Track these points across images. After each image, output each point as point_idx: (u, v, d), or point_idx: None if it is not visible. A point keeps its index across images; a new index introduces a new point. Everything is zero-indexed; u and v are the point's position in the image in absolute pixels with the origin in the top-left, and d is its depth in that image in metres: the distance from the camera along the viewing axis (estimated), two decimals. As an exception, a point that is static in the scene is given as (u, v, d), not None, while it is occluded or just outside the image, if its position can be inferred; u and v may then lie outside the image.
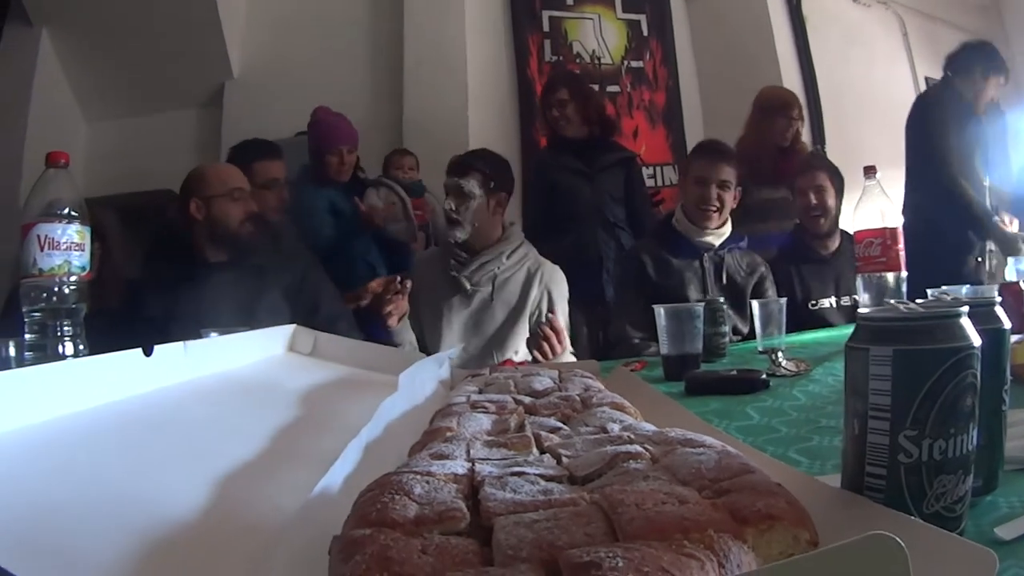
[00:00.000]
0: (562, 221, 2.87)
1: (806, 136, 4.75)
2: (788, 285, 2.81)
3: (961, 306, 0.65)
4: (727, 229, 2.69)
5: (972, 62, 3.61)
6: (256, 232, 2.44)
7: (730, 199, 2.66)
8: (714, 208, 2.64)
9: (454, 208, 2.56)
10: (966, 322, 0.63)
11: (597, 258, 2.95)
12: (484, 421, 0.91)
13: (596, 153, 3.43)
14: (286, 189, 3.09)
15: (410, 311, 2.55)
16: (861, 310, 0.67)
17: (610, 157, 3.46)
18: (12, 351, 1.30)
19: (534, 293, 2.57)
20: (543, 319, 2.44)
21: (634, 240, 3.24)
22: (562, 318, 2.53)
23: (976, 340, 0.63)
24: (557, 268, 2.70)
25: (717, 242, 2.65)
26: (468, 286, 2.58)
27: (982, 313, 0.73)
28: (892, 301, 0.69)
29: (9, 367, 1.27)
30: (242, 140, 3.17)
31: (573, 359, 2.43)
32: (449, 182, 2.61)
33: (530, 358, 2.42)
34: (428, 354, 2.24)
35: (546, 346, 2.32)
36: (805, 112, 4.76)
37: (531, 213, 3.55)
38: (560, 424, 0.90)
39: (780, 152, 3.65)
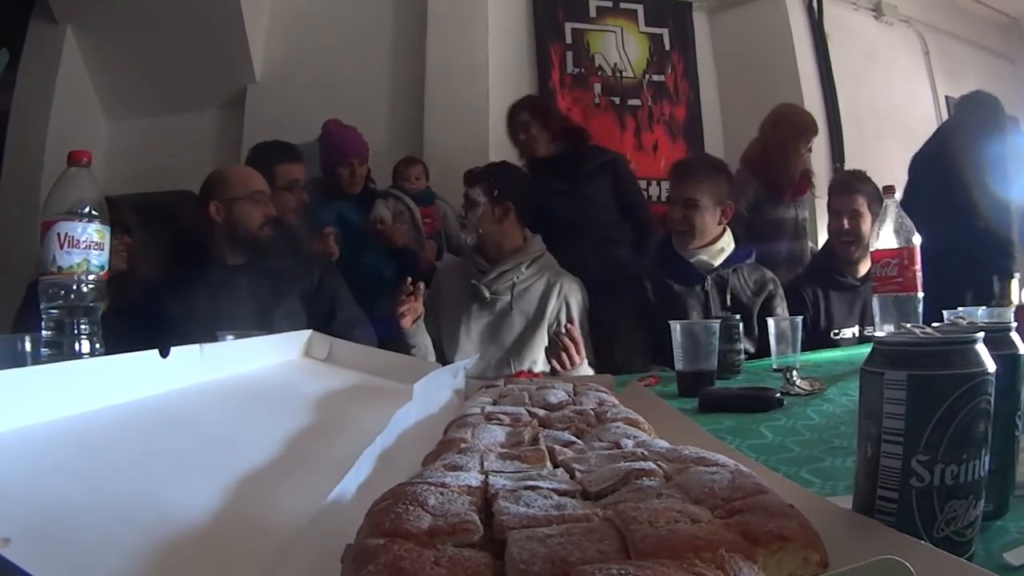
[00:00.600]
0: (549, 245, 2.86)
1: (826, 154, 4.77)
2: (814, 310, 2.76)
3: (977, 331, 0.65)
4: (724, 246, 2.62)
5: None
6: (275, 235, 2.46)
7: (704, 218, 2.57)
8: (680, 228, 2.60)
9: (464, 215, 2.70)
10: (981, 348, 0.64)
11: (587, 279, 2.92)
12: (498, 433, 0.91)
13: (574, 166, 3.40)
14: (305, 192, 3.10)
15: (430, 317, 2.58)
16: (877, 333, 0.67)
17: (591, 165, 3.41)
18: (28, 346, 1.30)
19: (553, 304, 2.59)
20: (562, 329, 2.46)
21: (630, 247, 3.23)
22: (580, 330, 2.54)
23: (991, 366, 0.63)
24: (577, 280, 2.72)
25: (716, 261, 2.59)
26: (487, 294, 2.60)
27: (997, 338, 0.73)
28: (908, 325, 0.69)
29: (24, 361, 1.28)
30: (262, 141, 3.20)
31: (590, 371, 2.44)
32: (464, 191, 2.70)
33: (548, 369, 2.43)
34: (445, 361, 2.27)
35: (564, 356, 2.35)
36: (824, 130, 4.79)
37: None
38: (574, 438, 0.90)
39: (788, 171, 3.65)
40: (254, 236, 2.43)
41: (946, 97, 5.67)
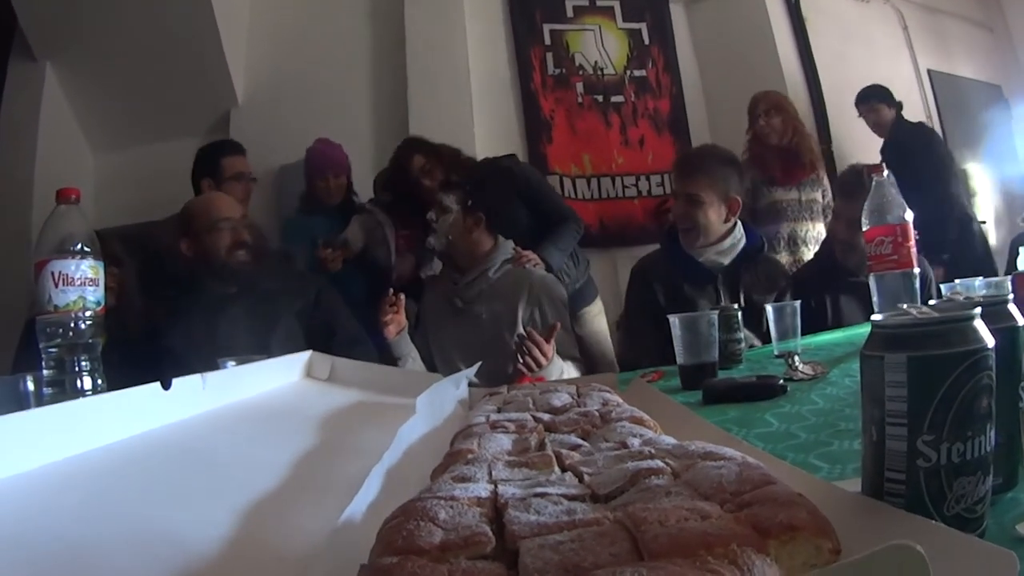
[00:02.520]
0: None
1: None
2: (821, 312, 2.67)
3: (973, 307, 0.65)
4: (734, 242, 2.53)
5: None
6: (249, 260, 2.45)
7: (708, 215, 2.49)
8: (684, 226, 2.53)
9: (435, 219, 2.67)
10: (979, 324, 0.64)
11: None
12: (504, 441, 0.91)
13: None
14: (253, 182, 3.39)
15: (418, 331, 2.61)
16: (875, 317, 0.67)
17: (490, 180, 3.28)
18: (31, 386, 1.31)
19: (523, 305, 2.58)
20: (523, 332, 2.39)
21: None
22: (561, 325, 2.47)
23: (990, 341, 0.63)
24: (549, 276, 2.73)
25: (726, 259, 2.51)
26: (460, 304, 2.63)
27: (995, 312, 0.73)
28: (905, 306, 0.69)
29: (28, 401, 1.29)
30: (207, 143, 3.52)
31: (569, 365, 2.45)
32: (438, 196, 2.73)
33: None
34: (437, 372, 2.26)
35: (528, 359, 2.28)
36: (809, 112, 4.82)
37: None
38: (580, 441, 0.90)
39: (782, 152, 3.70)
40: (225, 264, 2.42)
41: (928, 71, 5.70)
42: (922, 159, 4.10)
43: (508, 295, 2.63)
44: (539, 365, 2.30)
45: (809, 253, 3.52)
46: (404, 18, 4.70)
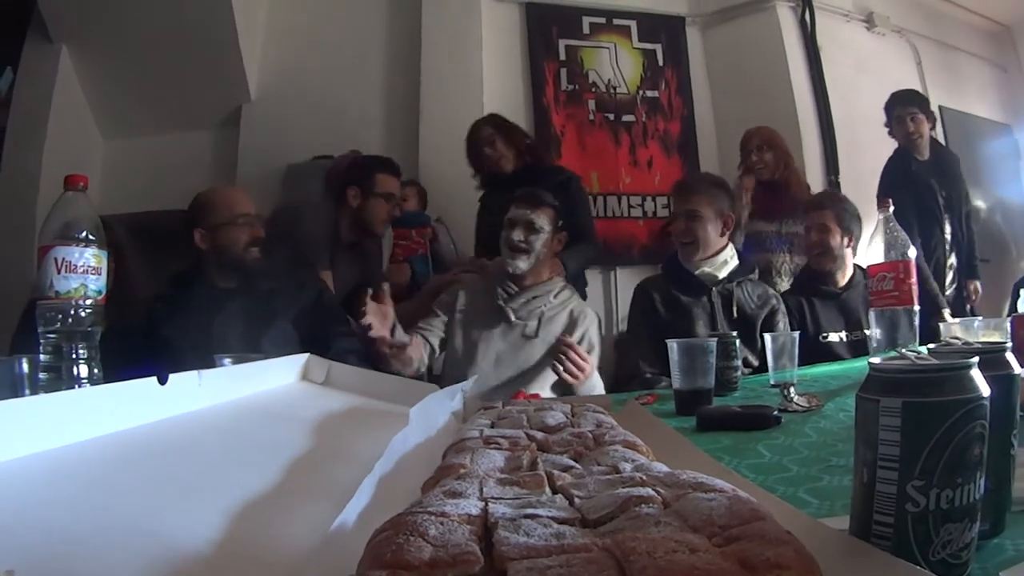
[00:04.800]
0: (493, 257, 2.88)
1: (819, 166, 4.79)
2: (800, 317, 2.84)
3: (971, 355, 0.66)
4: (727, 259, 2.70)
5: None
6: (262, 258, 2.46)
7: (706, 229, 2.67)
8: (685, 240, 2.69)
9: (523, 239, 2.60)
10: (976, 373, 0.65)
11: None
12: (497, 458, 0.91)
13: (531, 183, 3.36)
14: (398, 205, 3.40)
15: (445, 332, 2.65)
16: (872, 360, 0.68)
17: (548, 183, 3.31)
18: (26, 368, 1.30)
19: (576, 335, 2.58)
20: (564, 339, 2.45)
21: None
22: (595, 359, 2.56)
23: (985, 390, 0.64)
24: (594, 313, 2.76)
25: (720, 273, 2.67)
26: (513, 318, 2.62)
27: (992, 359, 0.74)
28: (903, 350, 0.70)
29: (23, 384, 1.29)
30: (367, 155, 3.58)
31: (600, 385, 2.49)
32: (518, 213, 2.65)
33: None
34: (460, 377, 2.25)
35: (568, 363, 2.37)
36: (818, 141, 4.83)
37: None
38: (572, 462, 0.90)
39: (769, 187, 3.73)
40: (240, 260, 2.43)
41: (940, 107, 5.70)
42: (959, 184, 4.09)
43: (563, 321, 2.65)
44: (576, 374, 2.38)
45: (784, 284, 3.54)
46: (421, 25, 4.72)
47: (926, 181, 3.90)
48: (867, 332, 2.63)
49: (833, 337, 2.84)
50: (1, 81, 2.75)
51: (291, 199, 3.88)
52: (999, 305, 4.40)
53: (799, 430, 1.39)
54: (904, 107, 3.98)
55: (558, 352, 2.41)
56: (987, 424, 0.64)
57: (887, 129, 4.09)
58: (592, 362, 2.47)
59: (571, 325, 2.62)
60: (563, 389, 2.47)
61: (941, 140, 5.50)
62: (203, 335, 2.25)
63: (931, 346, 0.82)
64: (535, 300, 2.65)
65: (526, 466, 0.90)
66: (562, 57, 4.89)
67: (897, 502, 0.62)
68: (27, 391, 1.28)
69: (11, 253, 4.13)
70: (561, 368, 2.38)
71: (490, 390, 2.41)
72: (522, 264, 2.61)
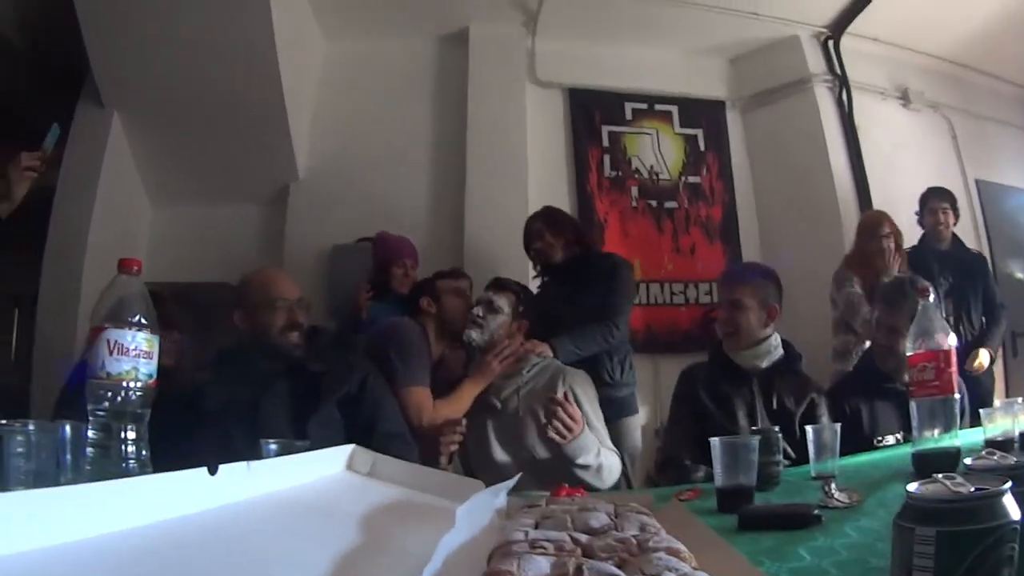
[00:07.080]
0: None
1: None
2: (856, 417, 2.71)
3: (1004, 482, 0.68)
4: (770, 349, 2.69)
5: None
6: (300, 343, 2.49)
7: (749, 319, 2.67)
8: (727, 330, 2.71)
9: (481, 315, 2.78)
10: (1008, 498, 0.67)
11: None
12: (543, 564, 0.93)
13: (580, 270, 3.48)
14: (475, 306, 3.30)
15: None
16: (910, 487, 0.70)
17: (596, 270, 3.47)
18: (69, 432, 1.32)
19: (559, 393, 2.61)
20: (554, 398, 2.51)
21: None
22: (596, 420, 2.67)
23: (1016, 514, 0.66)
24: (581, 372, 2.83)
25: (763, 363, 2.66)
26: (497, 403, 2.69)
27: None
28: (940, 476, 0.72)
29: (64, 450, 1.31)
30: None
31: (612, 454, 2.57)
32: (483, 295, 2.85)
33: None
34: (472, 475, 2.28)
35: (558, 423, 2.42)
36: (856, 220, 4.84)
37: None
38: (616, 571, 0.92)
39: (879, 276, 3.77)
40: (277, 343, 2.47)
41: (976, 181, 5.70)
42: (981, 283, 4.23)
43: (543, 389, 2.70)
44: (569, 430, 2.43)
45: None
46: (467, 111, 4.83)
47: (933, 267, 4.12)
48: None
49: (889, 439, 2.65)
50: (48, 138, 2.85)
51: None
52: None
53: (839, 529, 1.39)
54: (937, 201, 4.35)
55: (551, 411, 2.47)
56: (1016, 546, 0.66)
57: (917, 217, 4.38)
58: (579, 418, 2.50)
59: (551, 389, 2.66)
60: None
61: (979, 214, 5.52)
62: (246, 413, 2.28)
63: (968, 462, 0.84)
64: (511, 379, 2.76)
65: (571, 573, 0.92)
66: (605, 143, 5.01)
67: (930, 624, 0.64)
68: (68, 456, 1.30)
69: (55, 311, 4.27)
70: (551, 430, 2.43)
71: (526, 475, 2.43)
72: (475, 335, 2.78)
